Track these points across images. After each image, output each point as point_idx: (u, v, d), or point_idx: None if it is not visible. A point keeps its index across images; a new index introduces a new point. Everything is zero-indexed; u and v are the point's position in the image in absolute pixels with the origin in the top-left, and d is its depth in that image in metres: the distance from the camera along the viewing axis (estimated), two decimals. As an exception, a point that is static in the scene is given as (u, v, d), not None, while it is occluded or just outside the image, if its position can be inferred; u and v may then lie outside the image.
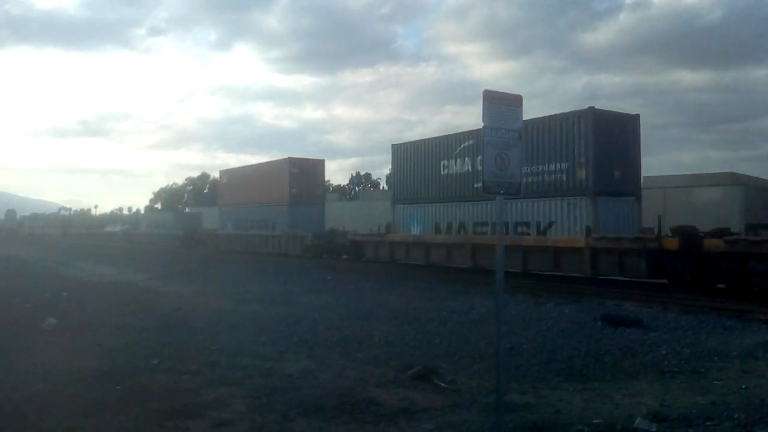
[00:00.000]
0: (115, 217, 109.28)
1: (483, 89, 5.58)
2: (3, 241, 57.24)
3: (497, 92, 5.68)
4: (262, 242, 36.07)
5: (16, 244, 53.40)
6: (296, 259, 30.83)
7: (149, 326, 11.06)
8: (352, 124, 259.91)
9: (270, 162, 38.31)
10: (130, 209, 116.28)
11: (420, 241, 24.56)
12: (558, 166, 19.56)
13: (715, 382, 7.36)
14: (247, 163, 44.43)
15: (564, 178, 19.34)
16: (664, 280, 16.99)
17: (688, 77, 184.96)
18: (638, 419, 5.71)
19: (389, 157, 27.65)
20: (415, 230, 25.15)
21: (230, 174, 42.85)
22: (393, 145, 27.17)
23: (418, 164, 25.34)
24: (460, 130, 23.54)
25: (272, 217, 35.48)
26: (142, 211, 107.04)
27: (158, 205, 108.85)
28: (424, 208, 24.83)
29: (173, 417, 5.90)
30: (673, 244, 16.26)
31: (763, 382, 7.26)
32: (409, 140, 26.59)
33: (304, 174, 34.86)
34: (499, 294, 5.64)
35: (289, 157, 35.15)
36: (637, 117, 19.68)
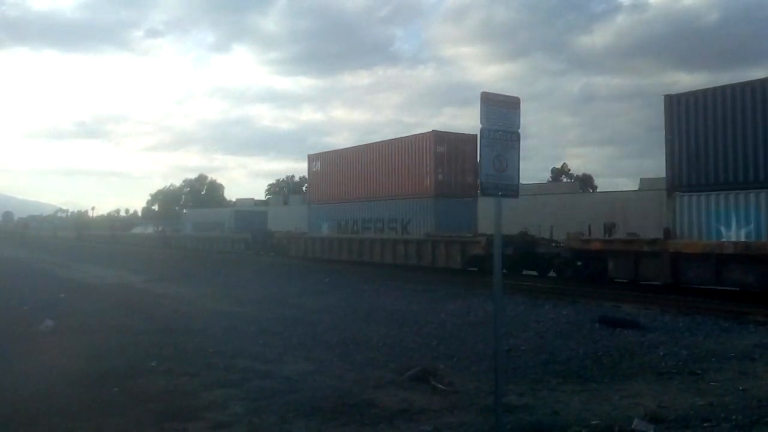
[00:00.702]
0: (138, 217, 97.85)
1: (481, 91, 5.59)
2: (5, 245, 57.06)
3: (495, 94, 5.69)
4: (386, 249, 25.66)
5: (20, 247, 53.24)
6: (449, 274, 22.02)
7: (147, 328, 11.05)
8: (351, 126, 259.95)
9: (400, 138, 26.61)
10: (127, 211, 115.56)
11: None
12: None
13: (712, 383, 7.37)
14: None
15: None
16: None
17: (685, 79, 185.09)
18: (636, 420, 5.72)
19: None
20: (734, 233, 14.91)
21: (328, 159, 31.44)
22: (668, 97, 16.49)
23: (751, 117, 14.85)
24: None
25: (402, 215, 25.42)
26: (140, 214, 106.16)
27: (155, 207, 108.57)
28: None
29: (171, 419, 5.90)
30: None
31: (761, 384, 7.28)
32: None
33: (453, 155, 24.36)
34: (497, 296, 5.65)
35: (433, 131, 24.54)
36: None
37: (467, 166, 24.69)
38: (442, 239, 22.86)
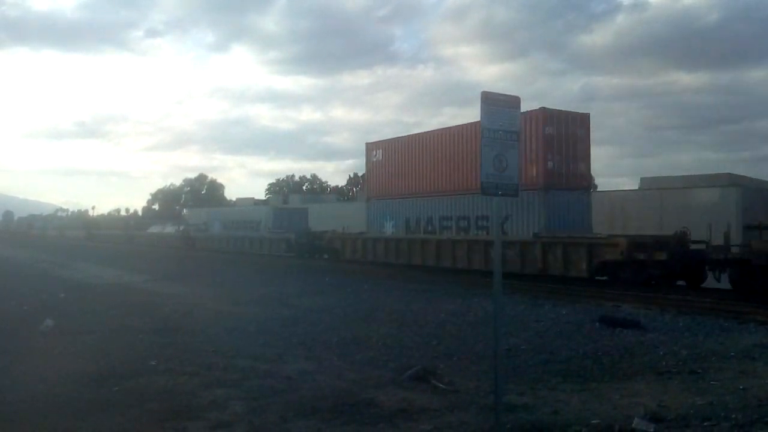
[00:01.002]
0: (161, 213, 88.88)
1: (481, 91, 5.59)
2: (6, 245, 57.04)
3: (495, 94, 5.69)
4: (475, 253, 21.18)
5: (20, 248, 53.18)
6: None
7: (147, 328, 11.05)
8: (351, 125, 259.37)
9: None
10: (128, 210, 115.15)
11: None
12: None
13: (712, 382, 7.37)
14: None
15: None
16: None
17: (685, 79, 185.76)
18: (636, 420, 5.72)
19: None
20: None
21: (393, 147, 26.41)
22: None
23: None
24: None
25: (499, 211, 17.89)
26: (140, 213, 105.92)
27: (156, 207, 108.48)
28: None
29: (171, 418, 5.90)
30: None
31: (761, 383, 7.27)
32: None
33: (564, 138, 19.87)
34: (497, 296, 5.65)
35: (542, 108, 19.75)
36: None
37: (579, 151, 20.31)
38: (560, 241, 18.42)
